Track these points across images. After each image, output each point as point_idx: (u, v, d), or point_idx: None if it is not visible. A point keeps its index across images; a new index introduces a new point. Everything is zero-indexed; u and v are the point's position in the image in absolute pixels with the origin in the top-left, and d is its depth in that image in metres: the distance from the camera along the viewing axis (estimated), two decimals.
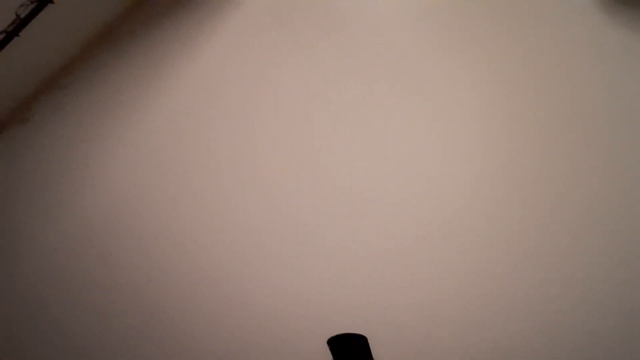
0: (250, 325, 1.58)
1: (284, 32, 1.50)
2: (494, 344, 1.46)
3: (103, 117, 1.65)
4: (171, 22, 1.56)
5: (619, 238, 1.36)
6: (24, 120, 1.73)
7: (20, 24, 1.45)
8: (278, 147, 1.56)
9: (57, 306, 1.67)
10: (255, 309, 1.59)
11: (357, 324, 1.55)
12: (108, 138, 1.61)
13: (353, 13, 1.48)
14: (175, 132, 1.58)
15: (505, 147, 1.41)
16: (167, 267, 1.55)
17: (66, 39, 1.65)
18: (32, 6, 1.43)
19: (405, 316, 1.51)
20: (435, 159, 1.48)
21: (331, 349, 1.50)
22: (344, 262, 1.55)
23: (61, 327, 1.69)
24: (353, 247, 1.54)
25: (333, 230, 1.54)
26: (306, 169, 1.53)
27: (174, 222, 1.56)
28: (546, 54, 1.39)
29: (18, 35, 1.46)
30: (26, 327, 1.72)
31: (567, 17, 1.37)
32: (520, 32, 1.41)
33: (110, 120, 1.63)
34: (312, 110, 1.53)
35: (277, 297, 1.58)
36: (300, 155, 1.53)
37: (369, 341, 1.46)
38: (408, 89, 1.45)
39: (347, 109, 1.49)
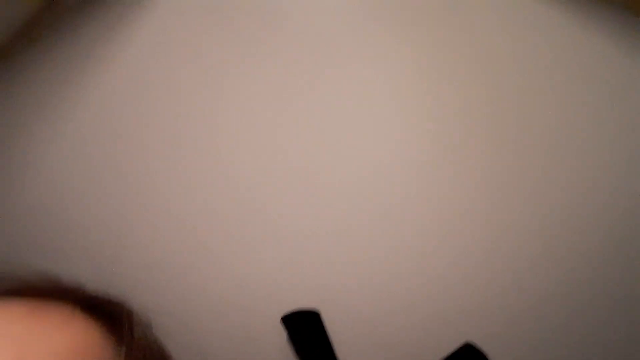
0: (205, 312, 1.59)
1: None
2: (445, 316, 1.52)
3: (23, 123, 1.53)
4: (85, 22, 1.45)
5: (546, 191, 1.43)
6: None
7: None
8: (224, 132, 1.57)
9: None
10: (208, 295, 1.60)
11: (311, 303, 1.59)
12: (31, 143, 1.49)
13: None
14: (105, 133, 1.49)
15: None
16: (117, 255, 1.52)
17: None
18: None
19: (357, 292, 1.56)
20: (382, 140, 1.53)
21: (286, 327, 1.53)
22: (294, 242, 1.58)
23: None
24: (302, 227, 1.57)
25: (281, 210, 1.57)
26: (257, 153, 1.56)
27: (126, 205, 1.53)
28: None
29: None
30: None
31: None
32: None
33: (31, 125, 1.53)
34: (250, 97, 1.54)
35: (230, 281, 1.59)
36: (248, 139, 1.56)
37: (322, 317, 1.51)
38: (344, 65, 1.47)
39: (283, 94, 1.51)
